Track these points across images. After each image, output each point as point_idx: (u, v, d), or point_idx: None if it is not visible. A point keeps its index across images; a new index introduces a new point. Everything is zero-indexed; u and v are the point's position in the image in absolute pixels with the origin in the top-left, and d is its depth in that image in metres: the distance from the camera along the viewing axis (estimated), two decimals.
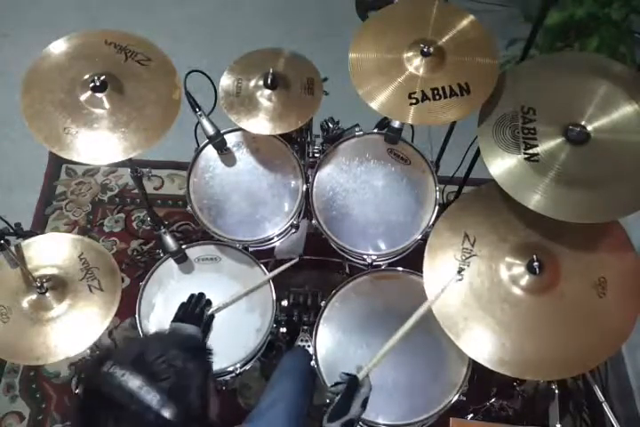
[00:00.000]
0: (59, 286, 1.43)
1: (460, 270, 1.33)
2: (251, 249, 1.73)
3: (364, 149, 1.72)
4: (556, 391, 1.48)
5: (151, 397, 0.85)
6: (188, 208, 1.69)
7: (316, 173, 1.70)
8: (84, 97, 1.40)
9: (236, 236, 1.69)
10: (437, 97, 1.36)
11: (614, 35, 2.14)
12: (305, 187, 1.69)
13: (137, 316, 1.61)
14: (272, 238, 1.72)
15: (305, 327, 1.78)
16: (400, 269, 1.66)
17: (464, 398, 1.49)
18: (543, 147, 1.28)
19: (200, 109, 1.53)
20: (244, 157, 1.73)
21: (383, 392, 1.51)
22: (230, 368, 1.56)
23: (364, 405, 1.20)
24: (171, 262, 1.68)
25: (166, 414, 0.85)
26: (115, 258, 1.50)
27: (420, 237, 1.65)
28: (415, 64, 1.39)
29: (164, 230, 1.66)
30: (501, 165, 1.29)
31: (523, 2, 2.52)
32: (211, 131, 1.53)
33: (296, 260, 1.76)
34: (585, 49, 2.16)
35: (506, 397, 1.87)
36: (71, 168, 2.57)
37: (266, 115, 1.52)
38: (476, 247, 1.36)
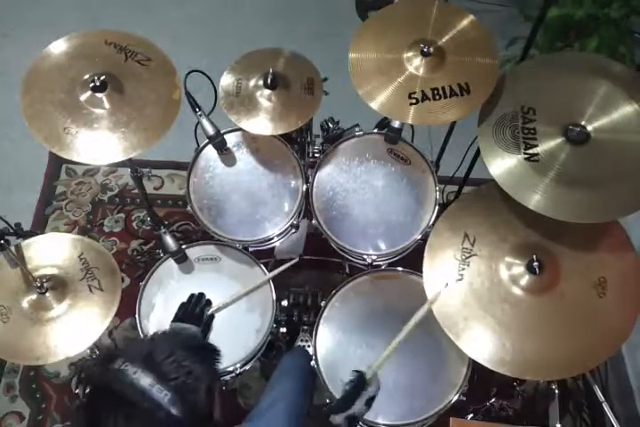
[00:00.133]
0: (59, 285, 1.43)
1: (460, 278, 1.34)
2: (251, 249, 1.73)
3: (364, 149, 1.72)
4: (556, 391, 1.48)
5: (162, 395, 0.86)
6: (188, 208, 1.69)
7: (315, 173, 1.70)
8: (83, 97, 1.40)
9: (236, 236, 1.69)
10: (437, 97, 1.36)
11: (614, 35, 2.14)
12: (305, 187, 1.69)
13: (137, 316, 1.61)
14: (272, 238, 1.72)
15: (305, 327, 1.78)
16: (400, 269, 1.66)
17: (464, 398, 1.49)
18: (543, 147, 1.28)
19: (200, 109, 1.53)
20: (244, 157, 1.73)
21: (383, 392, 1.49)
22: (230, 368, 1.56)
23: (368, 403, 1.21)
24: (171, 262, 1.68)
25: (176, 412, 0.86)
26: (115, 258, 1.50)
27: (419, 237, 1.65)
28: (415, 64, 1.39)
29: (163, 230, 1.67)
30: (501, 165, 1.29)
31: (522, 1, 2.52)
32: (211, 131, 1.53)
33: (296, 260, 1.76)
34: (585, 49, 2.16)
35: (506, 397, 1.87)
36: (71, 168, 2.57)
37: (266, 115, 1.52)
38: (476, 247, 1.36)
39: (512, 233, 1.37)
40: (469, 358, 1.43)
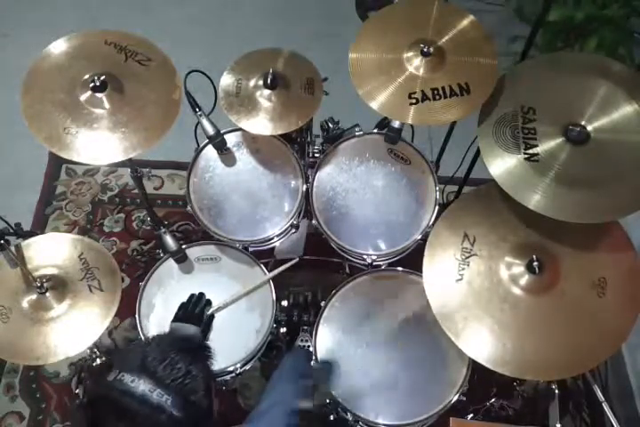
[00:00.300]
0: (59, 285, 1.43)
1: None
2: (251, 249, 1.73)
3: (364, 149, 1.72)
4: (556, 391, 1.48)
5: (164, 399, 0.87)
6: (188, 208, 1.69)
7: (315, 172, 1.70)
8: (84, 97, 1.40)
9: (236, 236, 1.69)
10: (437, 97, 1.36)
11: (614, 35, 2.14)
12: (305, 187, 1.69)
13: (137, 316, 1.61)
14: (272, 238, 1.72)
15: (305, 327, 1.78)
16: (400, 269, 1.66)
17: (464, 398, 1.49)
18: (543, 147, 1.28)
19: (200, 109, 1.53)
20: (243, 157, 1.73)
21: (383, 392, 1.51)
22: (230, 368, 1.56)
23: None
24: (171, 262, 1.68)
25: (179, 413, 0.87)
26: (115, 258, 1.50)
27: (419, 237, 1.65)
28: (415, 64, 1.39)
29: (163, 230, 1.66)
30: (501, 165, 1.29)
31: (521, 1, 2.52)
32: (211, 131, 1.53)
33: (296, 260, 1.76)
34: (585, 49, 2.16)
35: (506, 397, 1.87)
36: (71, 168, 2.56)
37: (266, 115, 1.52)
38: (476, 247, 1.36)
39: (512, 233, 1.37)
40: (469, 358, 1.43)
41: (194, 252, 1.70)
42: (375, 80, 1.39)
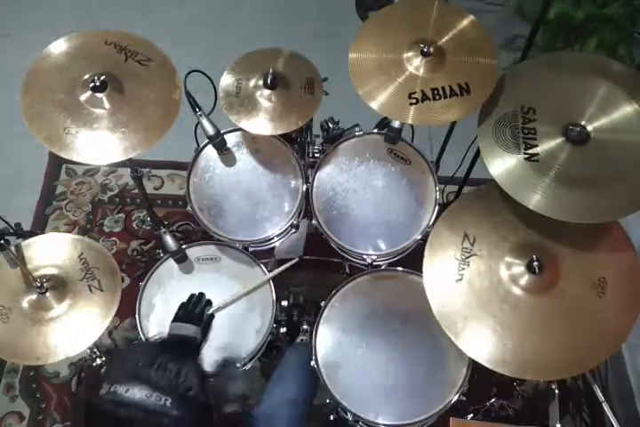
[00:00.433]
0: (59, 285, 1.43)
1: None
2: (251, 249, 1.73)
3: (364, 149, 1.72)
4: (556, 391, 1.48)
5: (162, 401, 0.86)
6: (188, 208, 1.69)
7: (315, 172, 1.70)
8: (84, 97, 1.40)
9: (236, 236, 1.69)
10: (437, 97, 1.36)
11: (614, 35, 2.14)
12: (305, 187, 1.69)
13: (137, 316, 1.61)
14: (272, 238, 1.72)
15: (305, 327, 1.78)
16: (400, 269, 1.66)
17: (464, 398, 1.49)
18: (543, 147, 1.28)
19: (200, 109, 1.53)
20: (244, 157, 1.72)
21: (383, 392, 1.51)
22: None
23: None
24: (171, 262, 1.68)
25: (180, 412, 0.86)
26: (115, 258, 1.49)
27: (419, 237, 1.64)
28: (415, 64, 1.39)
29: (163, 230, 1.66)
30: (501, 165, 1.29)
31: (518, 0, 2.52)
32: (211, 131, 1.53)
33: (296, 260, 1.76)
34: (585, 49, 2.16)
35: (506, 397, 1.87)
36: (71, 168, 2.57)
37: (266, 115, 1.52)
38: (476, 247, 1.36)
39: (512, 233, 1.37)
40: (469, 358, 1.43)
41: (194, 252, 1.70)
42: (375, 80, 1.39)
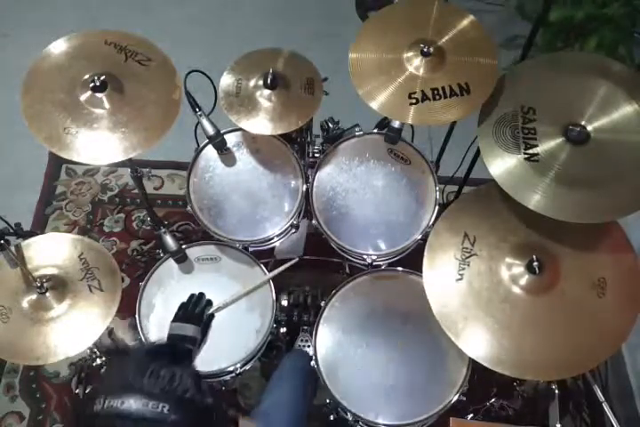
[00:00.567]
0: (59, 285, 1.43)
1: None
2: (251, 249, 1.73)
3: (364, 149, 1.72)
4: (556, 391, 1.48)
5: (159, 408, 0.84)
6: (188, 208, 1.69)
7: (315, 172, 1.70)
8: (84, 97, 1.40)
9: (236, 236, 1.69)
10: (437, 97, 1.36)
11: (614, 35, 2.14)
12: (305, 187, 1.69)
13: (137, 316, 1.61)
14: (272, 238, 1.72)
15: (305, 327, 1.78)
16: (400, 269, 1.66)
17: (464, 398, 1.49)
18: (543, 147, 1.28)
19: (200, 109, 1.53)
20: (243, 157, 1.72)
21: (383, 392, 1.51)
22: (230, 368, 1.56)
23: None
24: (171, 262, 1.68)
25: (179, 416, 0.85)
26: (115, 258, 1.50)
27: (419, 237, 1.64)
28: (415, 64, 1.39)
29: (163, 230, 1.66)
30: (501, 165, 1.29)
31: (518, 0, 2.52)
32: (211, 131, 1.53)
33: (296, 260, 1.76)
34: (585, 49, 2.16)
35: (506, 397, 1.87)
36: (71, 168, 2.57)
37: (266, 115, 1.52)
38: (476, 247, 1.36)
39: (512, 233, 1.37)
40: (469, 358, 1.43)
41: (194, 252, 1.70)
42: (375, 80, 1.39)
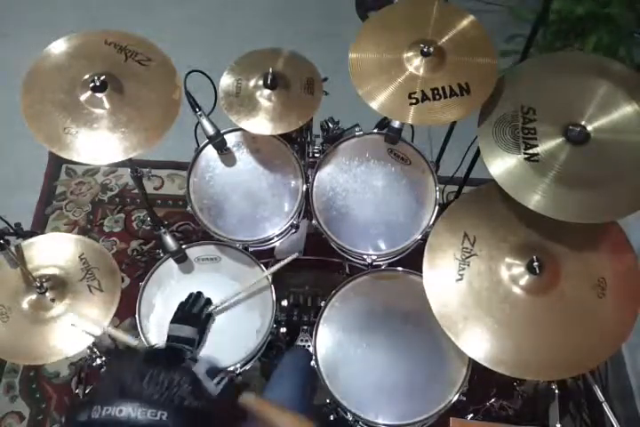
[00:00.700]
0: (59, 286, 1.43)
1: None
2: (251, 249, 1.73)
3: (364, 149, 1.72)
4: (556, 391, 1.48)
5: (158, 416, 0.84)
6: (188, 208, 1.69)
7: (315, 173, 1.70)
8: (84, 97, 1.40)
9: (236, 236, 1.69)
10: (437, 97, 1.36)
11: (614, 34, 2.14)
12: (305, 187, 1.69)
13: (137, 316, 1.61)
14: (272, 238, 1.72)
15: (305, 327, 1.78)
16: (400, 269, 1.66)
17: (464, 398, 1.49)
18: (543, 147, 1.28)
19: (200, 109, 1.53)
20: (243, 157, 1.73)
21: (383, 392, 1.51)
22: (230, 368, 1.56)
23: None
24: (171, 262, 1.68)
25: (177, 424, 0.85)
26: (115, 258, 1.50)
27: (419, 237, 1.65)
28: (415, 64, 1.39)
29: (163, 230, 1.66)
30: (501, 165, 1.29)
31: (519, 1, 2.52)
32: (211, 131, 1.53)
33: (295, 255, 1.75)
34: (584, 48, 2.16)
35: (506, 397, 1.87)
36: (71, 168, 2.57)
37: (266, 115, 1.52)
38: (476, 247, 1.36)
39: (512, 233, 1.37)
40: (469, 358, 1.43)
41: (194, 252, 1.70)
42: (375, 80, 1.39)
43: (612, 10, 2.14)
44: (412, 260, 1.58)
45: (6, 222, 1.59)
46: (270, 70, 1.51)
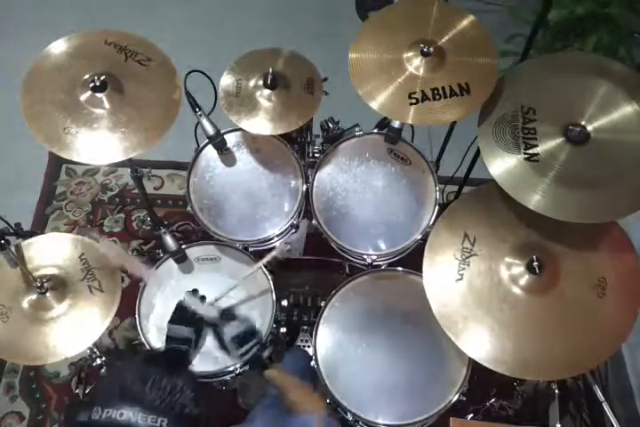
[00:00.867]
0: (59, 286, 1.43)
1: None
2: (251, 249, 1.73)
3: (364, 149, 1.72)
4: (556, 391, 1.48)
5: (158, 423, 0.83)
6: (188, 208, 1.69)
7: (315, 173, 1.70)
8: (84, 97, 1.40)
9: (236, 236, 1.69)
10: (437, 97, 1.36)
11: (614, 34, 2.14)
12: (305, 187, 1.69)
13: (137, 316, 1.61)
14: (272, 238, 1.72)
15: (305, 327, 1.78)
16: (400, 269, 1.66)
17: (464, 398, 1.49)
18: (543, 147, 1.28)
19: (200, 109, 1.53)
20: (243, 157, 1.73)
21: (383, 392, 1.51)
22: (230, 368, 1.56)
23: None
24: (171, 262, 1.68)
25: None
26: None
27: (419, 237, 1.65)
28: (415, 64, 1.39)
29: (163, 230, 1.67)
30: (501, 165, 1.29)
31: (520, 1, 2.52)
32: (211, 131, 1.53)
33: (288, 247, 1.73)
34: (584, 48, 2.16)
35: (506, 397, 1.87)
36: (71, 168, 2.57)
37: (266, 115, 1.52)
38: (476, 247, 1.36)
39: (512, 233, 1.37)
40: (469, 358, 1.43)
41: (194, 252, 1.70)
42: (375, 80, 1.39)
43: (612, 10, 2.14)
44: (412, 260, 1.58)
45: (6, 222, 1.60)
46: (270, 70, 1.51)
